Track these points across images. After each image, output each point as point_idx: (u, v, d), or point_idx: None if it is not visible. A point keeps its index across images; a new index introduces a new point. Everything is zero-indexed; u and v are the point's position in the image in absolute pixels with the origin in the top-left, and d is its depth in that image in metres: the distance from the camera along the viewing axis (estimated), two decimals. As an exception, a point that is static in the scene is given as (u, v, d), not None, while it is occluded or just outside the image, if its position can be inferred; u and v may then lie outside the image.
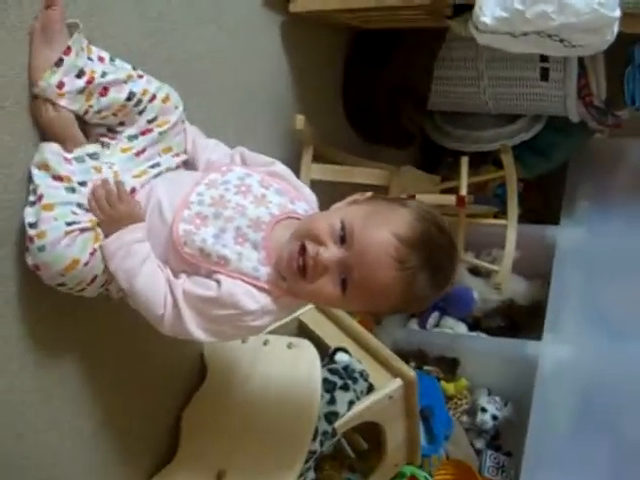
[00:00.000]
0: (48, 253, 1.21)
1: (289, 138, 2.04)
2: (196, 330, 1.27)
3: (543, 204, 2.95)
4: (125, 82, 1.34)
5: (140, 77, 1.37)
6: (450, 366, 2.51)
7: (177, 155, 1.44)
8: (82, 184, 1.27)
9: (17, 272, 1.28)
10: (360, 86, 2.41)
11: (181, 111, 1.43)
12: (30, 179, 1.25)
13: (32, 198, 1.24)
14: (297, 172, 1.99)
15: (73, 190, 1.25)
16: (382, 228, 1.23)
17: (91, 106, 1.31)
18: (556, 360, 2.34)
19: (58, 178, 1.24)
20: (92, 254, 1.25)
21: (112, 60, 1.35)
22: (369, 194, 1.35)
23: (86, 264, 1.25)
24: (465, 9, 1.92)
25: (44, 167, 1.25)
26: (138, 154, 1.38)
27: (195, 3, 1.67)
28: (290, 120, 1.99)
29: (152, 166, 1.40)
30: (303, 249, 1.24)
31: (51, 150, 1.26)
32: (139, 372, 1.61)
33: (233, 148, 1.50)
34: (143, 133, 1.39)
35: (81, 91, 1.29)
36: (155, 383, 1.67)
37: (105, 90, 1.32)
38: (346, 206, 1.32)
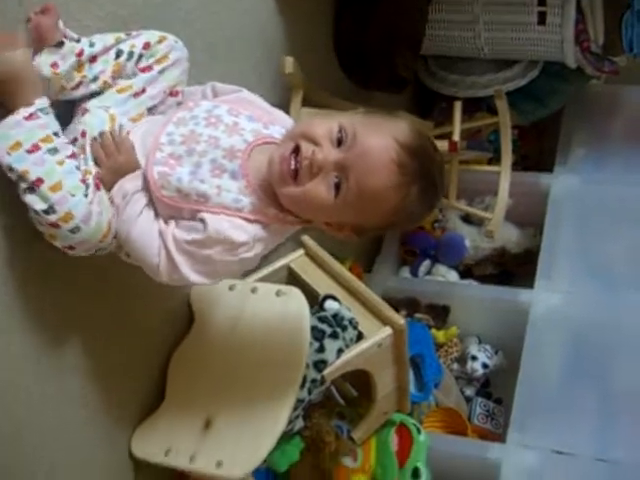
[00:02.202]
0: (84, 231, 1.18)
1: (278, 82, 1.99)
2: (192, 274, 1.24)
3: (537, 151, 2.92)
4: (113, 45, 1.31)
5: (128, 35, 1.34)
6: (441, 314, 2.50)
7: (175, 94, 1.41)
8: (56, 134, 1.21)
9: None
10: (353, 29, 2.35)
11: (182, 46, 1.39)
12: (9, 169, 1.17)
13: (24, 185, 1.17)
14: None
15: (56, 150, 1.18)
16: (383, 132, 1.22)
17: (84, 76, 1.28)
18: (547, 308, 2.33)
19: (34, 148, 1.17)
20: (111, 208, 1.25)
21: (91, 45, 1.31)
22: (361, 110, 1.33)
23: (113, 219, 1.25)
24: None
25: (15, 147, 1.16)
26: (137, 94, 1.35)
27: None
28: (279, 63, 1.94)
29: (150, 109, 1.36)
30: (296, 150, 1.22)
31: (9, 124, 1.17)
32: (124, 321, 1.59)
33: None
34: (142, 70, 1.35)
35: (74, 67, 1.26)
36: (141, 331, 1.64)
37: (94, 58, 1.29)
38: (341, 116, 1.28)
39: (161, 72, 1.36)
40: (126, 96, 1.34)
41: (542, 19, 2.39)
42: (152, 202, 1.28)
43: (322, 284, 1.89)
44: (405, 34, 2.40)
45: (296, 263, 1.95)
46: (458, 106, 2.23)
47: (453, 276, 2.67)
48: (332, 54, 2.37)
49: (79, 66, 1.28)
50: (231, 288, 1.74)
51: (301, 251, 1.97)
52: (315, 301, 1.80)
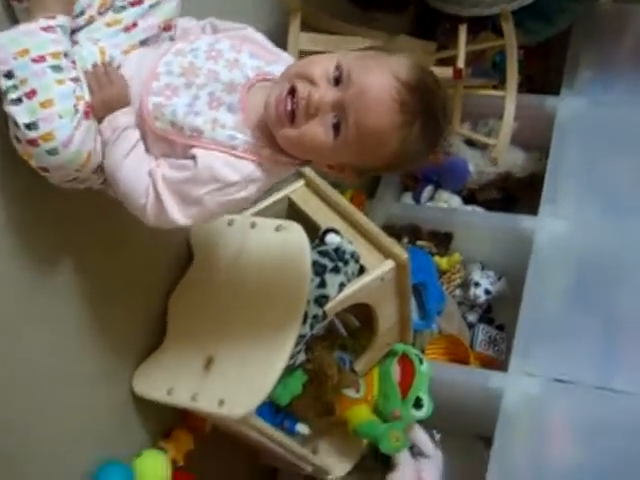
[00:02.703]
0: (62, 155, 1.13)
1: (275, 6, 1.92)
2: (180, 217, 1.21)
3: (543, 72, 2.84)
4: None
5: None
6: (443, 241, 2.48)
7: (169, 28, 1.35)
8: (65, 55, 1.16)
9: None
10: (353, -53, 2.27)
11: None
12: (7, 74, 1.12)
13: (15, 95, 1.11)
14: (284, 42, 1.89)
15: (60, 69, 1.13)
16: (382, 70, 1.18)
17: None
18: (552, 235, 2.31)
19: (40, 59, 1.12)
20: (96, 140, 1.20)
21: None
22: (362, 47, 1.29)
23: (95, 152, 1.19)
24: None
25: (22, 53, 1.12)
26: (128, 29, 1.29)
27: None
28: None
29: (143, 41, 1.30)
30: (293, 91, 1.18)
31: (24, 31, 1.13)
32: (124, 259, 1.57)
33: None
34: (132, 4, 1.28)
35: None
36: (141, 269, 1.62)
37: None
38: (338, 53, 1.23)
39: (153, 6, 1.30)
40: (115, 30, 1.27)
41: None
42: (144, 139, 1.23)
43: (323, 216, 1.86)
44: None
45: (296, 194, 1.91)
46: (463, 30, 2.16)
47: (456, 201, 2.64)
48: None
49: None
50: (230, 223, 1.71)
51: (301, 182, 1.93)
52: (316, 234, 1.77)
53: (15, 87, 1.11)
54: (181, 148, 1.22)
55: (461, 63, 2.10)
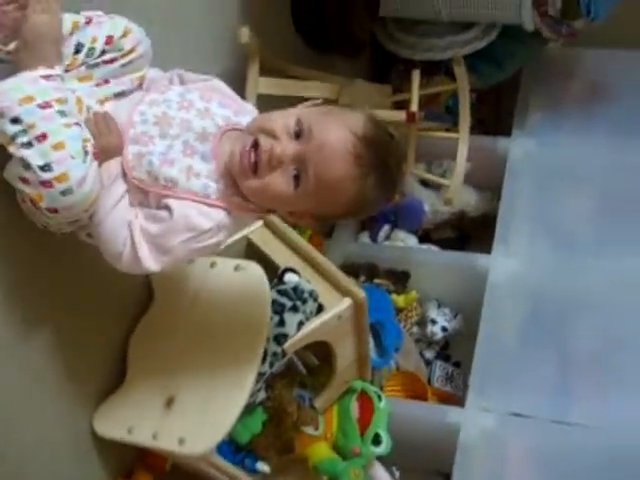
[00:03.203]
0: (76, 195, 1.15)
1: (234, 51, 1.96)
2: (153, 264, 1.25)
3: (495, 114, 2.92)
4: (70, 34, 1.26)
5: (87, 23, 1.29)
6: (400, 279, 2.52)
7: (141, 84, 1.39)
8: (67, 101, 1.18)
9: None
10: (310, -8, 2.32)
11: (146, 38, 1.37)
12: (14, 119, 1.13)
13: (25, 139, 1.13)
14: (243, 86, 1.93)
15: (65, 114, 1.15)
16: (340, 125, 1.25)
17: None
18: (505, 273, 2.36)
19: (46, 104, 1.14)
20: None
21: None
22: (319, 101, 1.36)
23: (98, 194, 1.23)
24: None
25: (27, 100, 1.13)
26: (99, 85, 1.32)
27: None
28: (232, 28, 1.91)
29: (117, 94, 1.34)
30: (256, 144, 1.24)
31: (26, 78, 1.16)
32: (84, 297, 1.58)
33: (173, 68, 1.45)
34: (105, 62, 1.31)
35: None
36: (101, 308, 1.63)
37: None
38: (298, 109, 1.31)
39: (125, 65, 1.33)
40: (88, 85, 1.31)
41: (501, -18, 2.38)
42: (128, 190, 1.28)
43: (281, 256, 1.89)
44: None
45: (255, 234, 1.94)
46: (416, 75, 2.23)
47: (412, 241, 2.68)
48: (289, 18, 2.33)
49: None
50: (190, 262, 1.72)
51: (260, 222, 1.96)
52: (274, 273, 1.79)
53: (24, 132, 1.13)
54: (154, 198, 1.26)
55: (414, 107, 2.16)
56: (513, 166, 2.58)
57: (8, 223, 1.33)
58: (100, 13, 1.33)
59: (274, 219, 1.94)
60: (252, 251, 1.92)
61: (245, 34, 1.87)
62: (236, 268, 1.67)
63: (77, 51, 1.27)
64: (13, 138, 1.14)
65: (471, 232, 2.78)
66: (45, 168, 1.13)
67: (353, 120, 1.26)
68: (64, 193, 1.15)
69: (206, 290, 1.68)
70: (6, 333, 1.39)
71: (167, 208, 1.24)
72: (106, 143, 1.24)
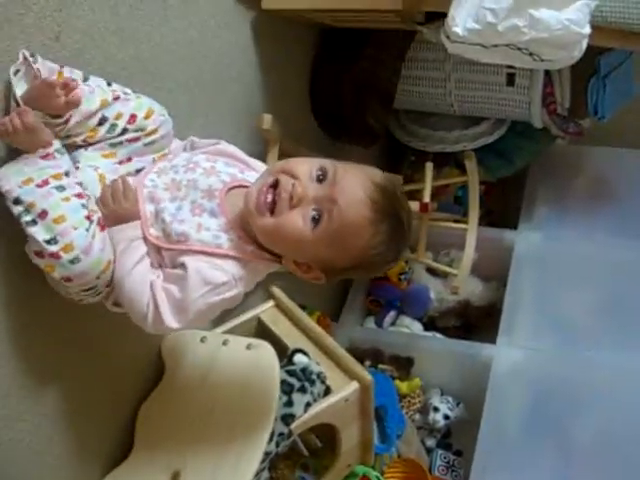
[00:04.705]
0: (84, 262, 1.21)
1: (255, 135, 2.03)
2: (176, 323, 1.28)
3: (502, 206, 2.98)
4: (98, 111, 1.32)
5: (116, 99, 1.35)
6: (405, 365, 2.53)
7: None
8: (67, 174, 1.24)
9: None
10: (328, 82, 2.40)
11: (168, 119, 1.42)
12: (15, 201, 1.20)
13: (29, 217, 1.19)
14: (262, 170, 1.99)
15: (63, 188, 1.21)
16: (360, 173, 1.28)
17: (61, 130, 1.29)
18: (509, 363, 2.37)
19: (44, 183, 1.21)
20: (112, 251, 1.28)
21: (85, 80, 1.33)
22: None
23: (112, 262, 1.27)
24: (437, 16, 1.93)
25: (27, 182, 1.20)
26: (122, 162, 1.37)
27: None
28: (257, 117, 1.98)
29: (138, 170, 1.39)
30: (275, 184, 1.26)
31: (25, 161, 1.22)
32: (94, 369, 1.60)
33: None
34: (129, 141, 1.37)
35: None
36: (111, 380, 1.65)
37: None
38: (319, 158, 1.34)
39: (148, 144, 1.39)
40: (112, 161, 1.36)
41: (511, 80, 2.45)
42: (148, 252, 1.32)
43: (291, 336, 1.91)
44: (377, 89, 2.46)
45: (266, 314, 1.97)
46: (429, 167, 2.29)
47: (417, 327, 2.71)
48: (308, 107, 2.41)
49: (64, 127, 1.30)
50: (202, 340, 1.75)
51: (271, 302, 2.00)
52: (284, 353, 1.82)
53: (27, 211, 1.20)
54: (170, 258, 1.30)
55: (427, 198, 2.22)
56: (519, 258, 2.63)
57: (31, 294, 1.37)
58: (128, 91, 1.39)
59: (285, 300, 1.98)
60: (262, 330, 1.95)
61: (267, 121, 1.94)
62: (248, 347, 1.70)
63: (100, 123, 1.33)
64: (19, 217, 1.20)
65: (475, 321, 2.80)
66: (51, 242, 1.19)
67: (371, 171, 1.30)
68: (72, 262, 1.20)
69: (217, 366, 1.71)
70: (18, 398, 1.41)
71: (182, 266, 1.27)
72: (120, 209, 1.29)
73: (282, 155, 2.04)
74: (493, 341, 2.45)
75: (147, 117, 1.37)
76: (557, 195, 2.82)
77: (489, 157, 2.72)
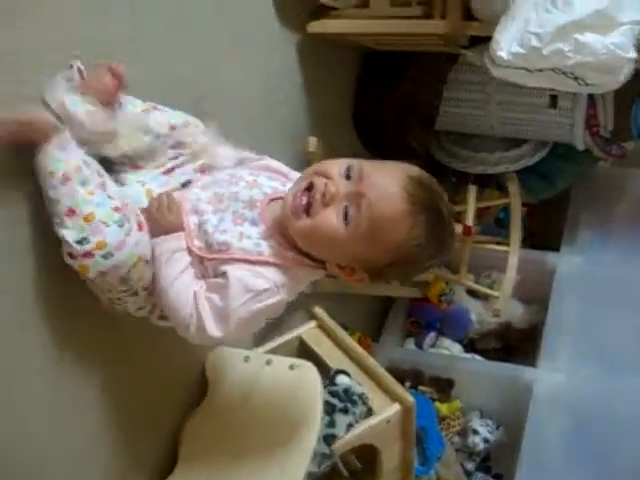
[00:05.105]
0: (116, 257, 1.22)
1: (300, 157, 2.05)
2: (219, 333, 1.28)
3: (544, 228, 2.97)
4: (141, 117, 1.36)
5: (154, 108, 1.39)
6: (445, 387, 2.53)
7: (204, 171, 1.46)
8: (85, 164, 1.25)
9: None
10: (370, 104, 2.42)
11: (205, 129, 1.45)
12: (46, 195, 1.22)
13: (57, 219, 1.21)
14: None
15: (84, 183, 1.22)
16: (394, 168, 1.29)
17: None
18: (550, 387, 2.36)
19: (65, 178, 1.21)
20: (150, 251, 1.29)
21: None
22: None
23: (147, 262, 1.28)
24: (481, 40, 1.94)
25: (50, 174, 1.21)
26: (166, 172, 1.40)
27: (213, 23, 1.68)
28: (301, 139, 2.01)
29: (184, 184, 1.41)
30: (310, 187, 1.27)
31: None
32: (139, 385, 1.62)
33: None
34: (171, 147, 1.40)
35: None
36: (155, 397, 1.67)
37: None
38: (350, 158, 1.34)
39: (186, 155, 1.42)
40: (157, 172, 1.39)
41: (553, 102, 2.45)
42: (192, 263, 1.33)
43: (333, 357, 1.92)
44: (419, 111, 2.47)
45: (308, 334, 1.98)
46: (472, 190, 2.29)
47: (457, 349, 2.71)
48: (351, 128, 2.43)
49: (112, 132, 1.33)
50: (246, 359, 1.77)
51: (313, 322, 2.01)
52: (326, 373, 1.83)
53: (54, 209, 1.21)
54: (212, 267, 1.31)
55: (470, 221, 2.22)
56: (561, 281, 2.62)
57: (76, 310, 1.40)
58: (164, 107, 1.42)
59: (327, 320, 1.99)
60: (304, 350, 1.95)
61: (313, 143, 1.96)
62: (291, 367, 1.71)
63: (145, 132, 1.37)
64: (51, 214, 1.22)
65: (516, 344, 2.79)
66: (83, 242, 1.20)
67: (406, 166, 1.31)
68: (105, 257, 1.21)
69: (260, 386, 1.72)
70: (65, 411, 1.44)
71: (223, 275, 1.28)
72: (164, 220, 1.31)
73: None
74: (533, 364, 2.44)
75: (185, 126, 1.41)
76: (600, 218, 2.80)
77: (531, 179, 2.70)
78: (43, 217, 1.24)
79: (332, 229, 1.26)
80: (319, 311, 2.02)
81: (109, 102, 1.31)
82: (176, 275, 1.29)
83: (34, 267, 1.30)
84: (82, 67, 1.28)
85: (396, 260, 1.30)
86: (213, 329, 1.28)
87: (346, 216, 1.25)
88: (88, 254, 1.21)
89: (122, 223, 1.23)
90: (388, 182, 1.26)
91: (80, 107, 1.24)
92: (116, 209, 1.23)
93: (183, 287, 1.29)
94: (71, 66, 1.27)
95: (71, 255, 1.22)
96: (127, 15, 1.44)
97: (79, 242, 1.20)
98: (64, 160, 1.21)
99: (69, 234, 1.20)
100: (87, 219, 1.20)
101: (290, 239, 1.32)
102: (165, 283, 1.29)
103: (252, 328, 1.41)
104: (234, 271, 1.28)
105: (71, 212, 1.20)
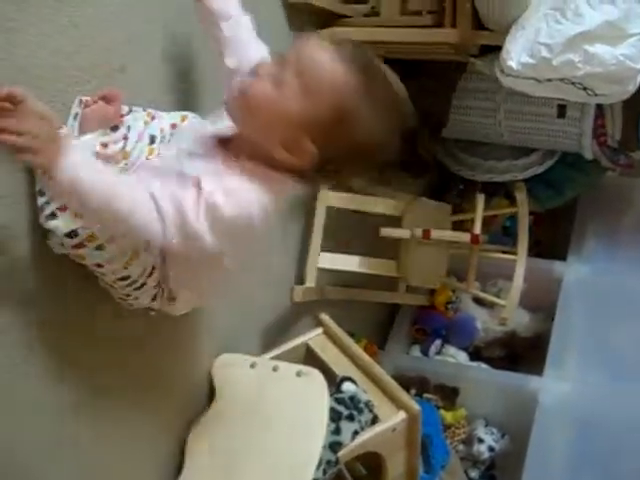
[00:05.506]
0: (108, 250, 1.24)
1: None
2: (206, 228, 1.20)
3: (551, 237, 2.97)
4: (144, 130, 1.38)
5: (152, 119, 1.41)
6: (450, 395, 2.53)
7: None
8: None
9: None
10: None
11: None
12: (39, 193, 1.22)
13: (49, 212, 1.20)
14: (314, 199, 2.02)
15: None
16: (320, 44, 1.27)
17: (127, 163, 1.34)
18: (556, 396, 2.35)
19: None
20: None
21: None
22: None
23: (146, 249, 1.29)
24: (491, 48, 1.94)
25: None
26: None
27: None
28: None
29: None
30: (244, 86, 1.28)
31: None
32: (145, 392, 1.63)
33: None
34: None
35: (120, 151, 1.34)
36: (161, 403, 1.68)
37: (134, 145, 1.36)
38: None
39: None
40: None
41: (562, 112, 2.45)
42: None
43: (339, 364, 1.92)
44: (429, 120, 2.48)
45: (314, 341, 1.98)
46: (481, 199, 2.30)
47: (462, 357, 2.71)
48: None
49: (124, 153, 1.34)
50: (252, 366, 1.78)
51: (319, 329, 2.01)
52: (332, 380, 1.83)
53: (47, 203, 1.22)
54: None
55: (478, 229, 2.22)
56: (567, 290, 2.61)
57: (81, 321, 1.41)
58: (160, 113, 1.45)
59: (334, 327, 1.99)
60: (310, 357, 1.96)
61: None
62: (298, 374, 1.72)
63: (152, 142, 1.38)
64: (41, 209, 1.22)
65: (521, 352, 2.78)
66: (71, 235, 1.21)
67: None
68: (98, 248, 1.23)
69: (267, 392, 1.72)
70: (70, 419, 1.45)
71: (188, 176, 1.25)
72: (39, 131, 1.12)
73: (334, 186, 2.07)
74: (539, 373, 2.44)
75: (183, 120, 1.45)
76: (607, 227, 2.80)
77: (538, 188, 2.71)
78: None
79: (265, 93, 1.25)
80: (326, 318, 2.03)
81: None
82: (114, 181, 1.19)
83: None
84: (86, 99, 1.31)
85: (337, 117, 1.24)
86: (194, 220, 1.18)
87: (278, 79, 1.25)
88: (79, 245, 1.22)
89: None
90: (316, 47, 1.26)
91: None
92: None
93: (128, 187, 1.20)
94: (80, 101, 1.31)
95: (63, 245, 1.23)
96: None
97: (68, 235, 1.21)
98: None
99: (60, 227, 1.20)
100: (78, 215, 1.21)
101: (239, 149, 1.30)
102: (107, 199, 1.16)
103: (235, 241, 1.31)
104: (201, 172, 1.25)
105: (64, 207, 1.21)
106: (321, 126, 1.25)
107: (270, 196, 1.26)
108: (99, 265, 1.27)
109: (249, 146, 1.29)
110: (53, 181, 1.12)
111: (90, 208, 1.16)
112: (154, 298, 1.39)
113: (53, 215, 1.21)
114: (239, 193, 1.23)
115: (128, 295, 1.36)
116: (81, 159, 1.14)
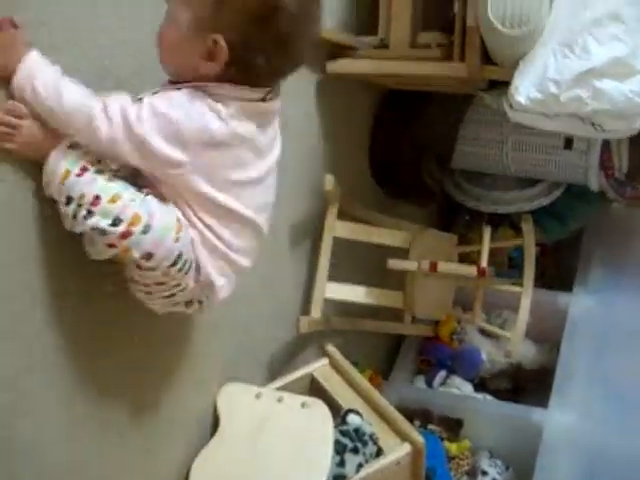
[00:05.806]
0: (155, 228, 1.20)
1: (315, 193, 2.06)
2: (147, 126, 1.21)
3: (557, 268, 2.97)
4: None
5: None
6: (454, 426, 2.51)
7: None
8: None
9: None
10: (387, 142, 2.44)
11: None
12: (67, 201, 1.20)
13: (84, 212, 1.18)
14: (321, 229, 2.03)
15: (102, 170, 1.22)
16: None
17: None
18: (561, 429, 2.34)
19: (83, 169, 1.21)
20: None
21: None
22: None
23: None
24: (499, 83, 1.95)
25: (66, 175, 1.21)
26: None
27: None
28: (317, 174, 2.02)
29: None
30: None
31: (53, 161, 1.23)
32: (149, 422, 1.63)
33: None
34: None
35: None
36: (165, 433, 1.68)
37: None
38: None
39: None
40: None
41: (569, 144, 2.46)
42: None
43: (344, 395, 1.92)
44: (436, 150, 2.49)
45: (319, 372, 1.98)
46: (487, 231, 2.30)
47: (467, 388, 2.69)
48: (366, 166, 2.45)
49: None
50: (257, 396, 1.78)
51: (325, 360, 2.01)
52: (337, 412, 1.83)
53: (79, 205, 1.19)
54: None
55: (484, 262, 2.23)
56: (573, 322, 2.60)
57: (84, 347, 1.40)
58: None
59: (339, 358, 1.99)
60: (315, 388, 1.95)
61: (330, 182, 1.98)
62: (303, 405, 1.72)
63: None
64: (75, 217, 1.20)
65: (526, 384, 2.77)
66: (116, 223, 1.18)
67: None
68: (145, 231, 1.19)
69: (272, 423, 1.72)
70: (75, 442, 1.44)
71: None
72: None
73: (341, 214, 2.07)
74: (544, 405, 2.42)
75: None
76: (613, 258, 2.80)
77: (544, 219, 2.71)
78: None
79: (165, 24, 1.24)
80: (331, 349, 2.02)
81: None
82: (60, 76, 1.22)
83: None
84: None
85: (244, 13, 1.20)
86: (135, 119, 1.20)
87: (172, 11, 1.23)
88: (126, 234, 1.18)
89: (144, 197, 1.22)
90: None
91: None
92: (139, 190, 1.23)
93: (82, 88, 1.23)
94: None
95: (111, 245, 1.20)
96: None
97: (113, 225, 1.18)
98: (77, 158, 1.22)
99: (100, 221, 1.18)
100: (113, 200, 1.19)
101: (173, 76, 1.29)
102: (57, 94, 1.20)
103: (186, 138, 1.24)
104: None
105: (97, 199, 1.19)
106: (236, 29, 1.21)
107: (214, 105, 1.24)
108: (149, 255, 1.20)
109: (182, 76, 1.27)
110: (14, 77, 1.18)
111: (44, 100, 1.20)
112: (197, 280, 1.32)
113: (90, 213, 1.18)
114: (177, 97, 1.23)
115: (178, 285, 1.29)
116: (41, 59, 1.20)
